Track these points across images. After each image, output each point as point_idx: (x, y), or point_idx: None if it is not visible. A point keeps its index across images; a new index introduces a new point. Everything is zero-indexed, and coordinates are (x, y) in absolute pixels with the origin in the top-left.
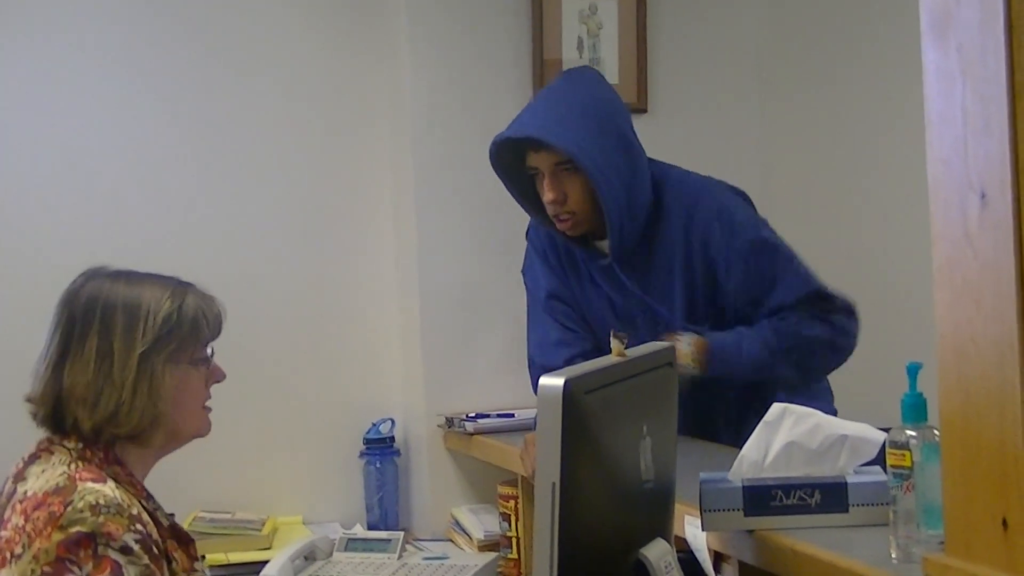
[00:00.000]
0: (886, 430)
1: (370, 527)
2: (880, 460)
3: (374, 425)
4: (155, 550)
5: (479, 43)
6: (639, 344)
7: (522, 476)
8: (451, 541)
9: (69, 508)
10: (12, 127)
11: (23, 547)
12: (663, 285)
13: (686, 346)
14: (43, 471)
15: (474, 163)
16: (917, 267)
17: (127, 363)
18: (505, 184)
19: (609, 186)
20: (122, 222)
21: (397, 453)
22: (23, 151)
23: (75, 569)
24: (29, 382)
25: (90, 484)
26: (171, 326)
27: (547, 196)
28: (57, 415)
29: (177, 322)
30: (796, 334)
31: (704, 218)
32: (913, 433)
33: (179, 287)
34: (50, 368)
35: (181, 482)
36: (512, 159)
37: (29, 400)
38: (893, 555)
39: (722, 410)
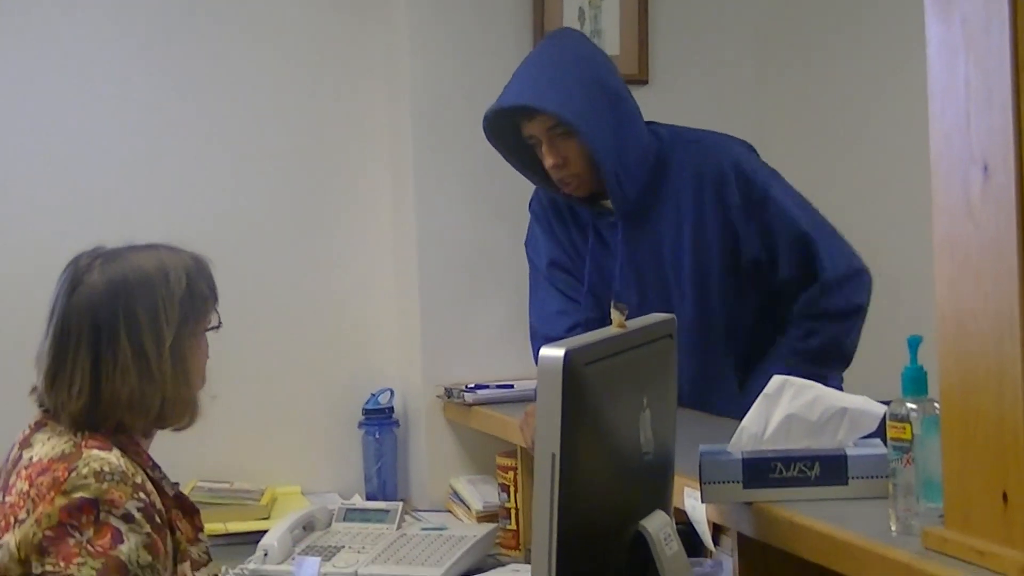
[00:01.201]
0: (886, 403)
1: (369, 498)
2: (880, 433)
3: (373, 396)
4: (158, 519)
5: (480, 13)
6: (649, 304)
7: (521, 447)
8: (450, 512)
9: (73, 474)
10: (8, 103)
11: (27, 512)
12: (673, 241)
13: None
14: (49, 438)
15: (473, 133)
16: (917, 240)
17: (162, 357)
18: (505, 156)
19: (603, 143)
20: (113, 192)
21: (396, 424)
22: (17, 129)
23: (76, 534)
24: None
25: (96, 451)
26: (186, 305)
27: (547, 162)
28: (93, 421)
29: (190, 298)
30: (796, 351)
31: (716, 173)
32: (913, 406)
33: (175, 256)
34: (84, 380)
35: (180, 452)
36: (510, 129)
37: (48, 412)
38: (892, 528)
39: (724, 380)
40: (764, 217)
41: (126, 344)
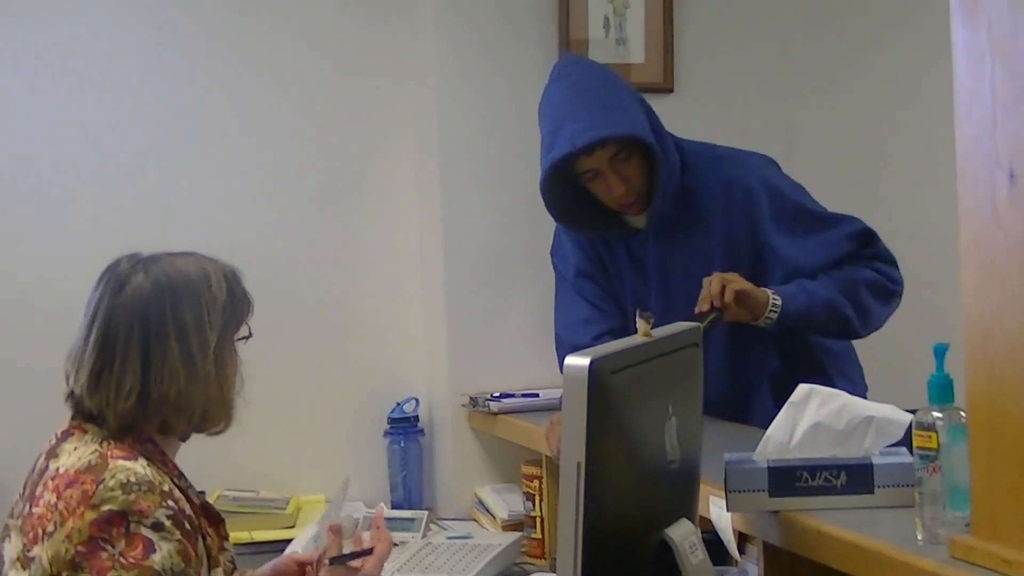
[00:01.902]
0: (912, 411)
1: (394, 506)
2: (906, 441)
3: (398, 404)
4: (188, 525)
5: (505, 19)
6: (678, 316)
7: (546, 456)
8: (475, 521)
9: (101, 486)
10: (34, 97)
11: (55, 525)
12: (703, 256)
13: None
14: (75, 448)
15: (500, 141)
16: (944, 247)
17: (207, 359)
18: (554, 205)
19: (666, 154)
20: (143, 195)
21: (421, 432)
22: (46, 136)
23: (108, 547)
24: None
25: (121, 462)
26: (228, 311)
27: (616, 191)
28: (139, 421)
29: (232, 305)
30: (846, 277)
31: (743, 189)
32: (939, 414)
33: (213, 263)
34: (135, 379)
35: (205, 461)
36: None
37: (86, 415)
38: (919, 536)
39: (758, 394)
40: (802, 226)
41: (174, 345)
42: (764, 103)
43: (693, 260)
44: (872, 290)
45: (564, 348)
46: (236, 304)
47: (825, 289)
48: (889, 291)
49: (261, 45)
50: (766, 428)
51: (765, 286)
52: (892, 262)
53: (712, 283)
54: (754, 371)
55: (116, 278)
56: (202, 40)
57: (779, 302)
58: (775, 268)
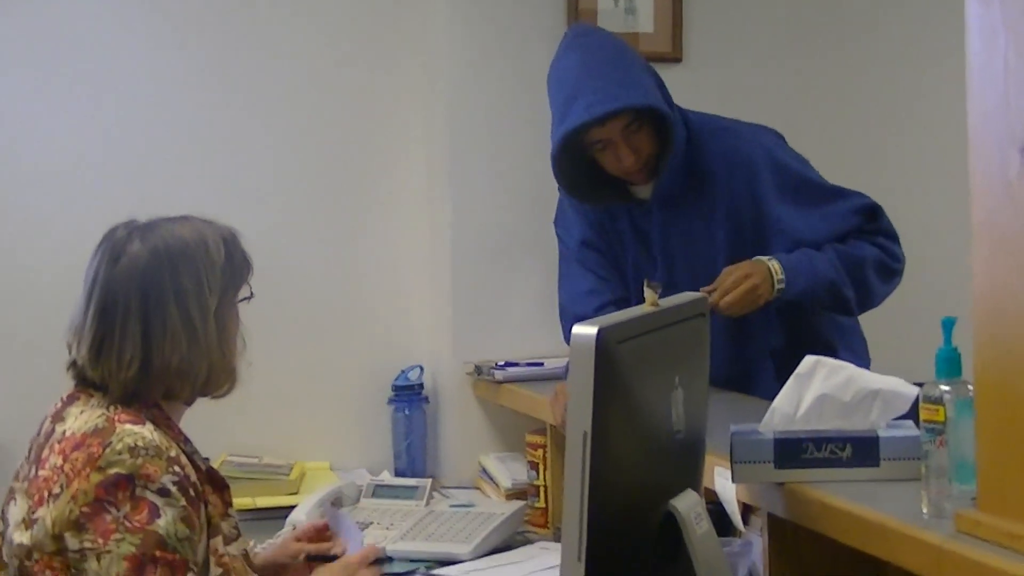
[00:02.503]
0: (919, 384)
1: (397, 474)
2: (913, 415)
3: (403, 372)
4: (192, 492)
5: None
6: (680, 288)
7: (550, 425)
8: (478, 489)
9: (108, 449)
10: (36, 84)
11: (61, 487)
12: (705, 229)
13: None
14: (82, 412)
15: (508, 109)
16: (954, 221)
17: (207, 324)
18: (569, 189)
19: (676, 124)
20: (148, 172)
21: (426, 400)
22: (47, 126)
23: (112, 510)
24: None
25: (129, 426)
26: (227, 273)
27: (627, 162)
28: (143, 389)
29: (230, 267)
30: (850, 254)
31: (747, 162)
32: (947, 388)
33: (210, 226)
34: (136, 348)
35: (209, 426)
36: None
37: (91, 384)
38: (924, 510)
39: (761, 367)
40: (806, 198)
41: (175, 311)
42: (772, 74)
43: (696, 232)
44: (875, 269)
45: (568, 319)
46: (235, 266)
47: (829, 267)
48: (891, 269)
49: (267, 29)
50: (770, 401)
51: (770, 256)
52: (895, 238)
53: (732, 277)
54: (758, 344)
55: (113, 247)
56: (207, 26)
57: (783, 286)
58: (778, 239)
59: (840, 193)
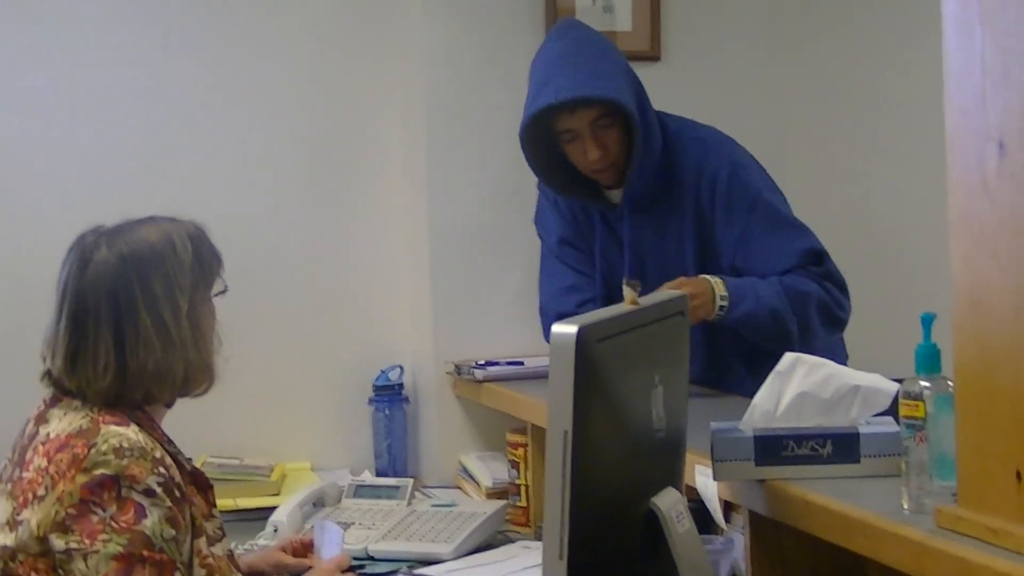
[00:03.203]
0: (899, 381)
1: (379, 474)
2: (893, 411)
3: (383, 372)
4: (177, 493)
5: None
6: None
7: (531, 424)
8: (460, 488)
9: (93, 450)
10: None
11: (46, 488)
12: (676, 236)
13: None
14: (65, 413)
15: (486, 108)
16: (932, 217)
17: (180, 325)
18: (535, 167)
19: (647, 129)
20: (126, 164)
21: (406, 400)
22: (28, 122)
23: (98, 511)
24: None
25: (113, 427)
26: (196, 271)
27: (592, 155)
28: (121, 395)
29: (199, 265)
30: (794, 287)
31: (714, 169)
32: (927, 384)
33: (176, 225)
34: (109, 355)
35: (190, 427)
36: (533, 136)
37: (71, 392)
38: (905, 506)
39: (736, 360)
40: (756, 224)
41: (145, 315)
42: (751, 72)
43: (666, 241)
44: (820, 311)
45: (549, 317)
46: (204, 262)
47: (774, 296)
48: (836, 317)
49: (247, 24)
50: (748, 399)
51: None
52: (842, 287)
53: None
54: (728, 350)
55: (80, 254)
56: (187, 21)
57: (725, 304)
58: (720, 262)
59: (794, 227)
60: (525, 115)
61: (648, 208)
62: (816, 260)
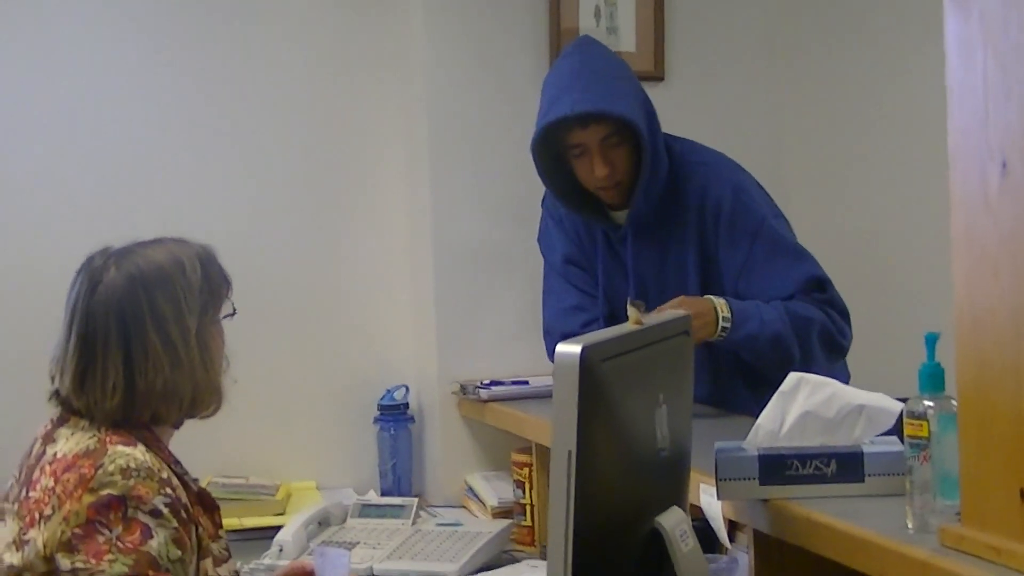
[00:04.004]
0: (903, 400)
1: (384, 493)
2: (897, 430)
3: (388, 391)
4: (183, 514)
5: (496, 10)
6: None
7: (536, 443)
8: (465, 508)
9: (100, 471)
10: (17, 100)
11: (53, 508)
12: (677, 259)
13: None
14: (72, 434)
15: (489, 126)
16: (935, 236)
17: (189, 346)
18: (545, 177)
19: (655, 152)
20: (127, 186)
21: (411, 420)
22: (29, 127)
23: (105, 531)
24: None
25: (120, 447)
26: (205, 293)
27: (599, 172)
28: (129, 415)
29: (208, 287)
30: (798, 312)
31: (718, 194)
32: (930, 403)
33: (184, 247)
34: (118, 376)
35: (196, 447)
36: (542, 148)
37: (78, 411)
38: (909, 525)
39: (740, 380)
40: (760, 251)
41: (154, 336)
42: (754, 92)
43: (668, 264)
44: (822, 338)
45: (553, 337)
46: (213, 285)
47: (778, 319)
48: (837, 344)
49: (247, 39)
50: (747, 414)
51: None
52: (845, 314)
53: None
54: (730, 375)
55: (90, 276)
56: (186, 34)
57: (728, 325)
58: (722, 287)
59: (797, 254)
60: (538, 126)
61: (652, 231)
62: (819, 287)
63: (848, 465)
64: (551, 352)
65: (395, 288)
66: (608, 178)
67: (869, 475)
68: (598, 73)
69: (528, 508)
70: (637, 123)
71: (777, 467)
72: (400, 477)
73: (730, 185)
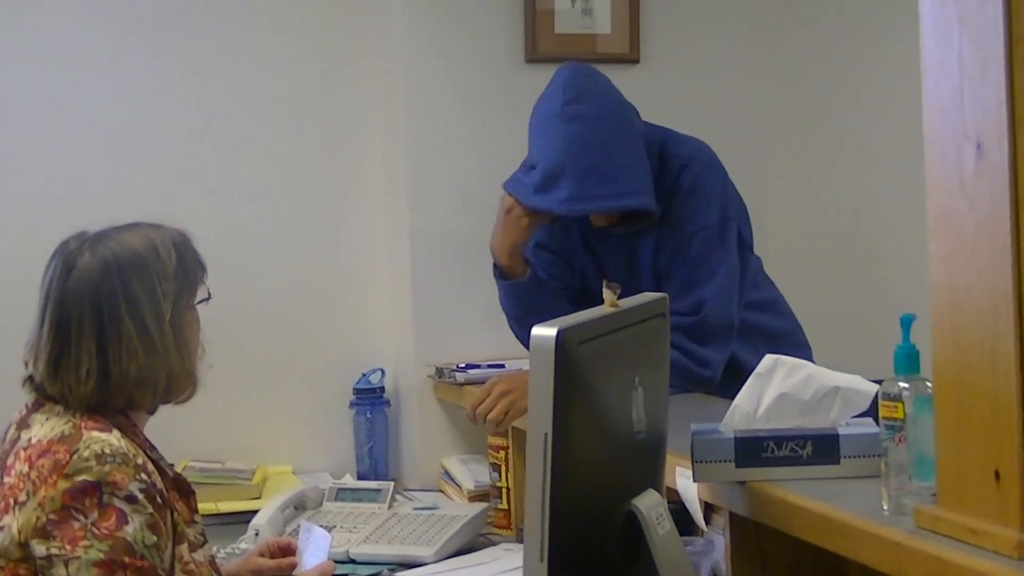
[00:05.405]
0: (879, 382)
1: (360, 477)
2: (872, 412)
3: (364, 375)
4: (159, 499)
5: None
6: None
7: (512, 426)
8: (441, 491)
9: (75, 456)
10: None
11: (27, 494)
12: (650, 256)
13: None
14: (47, 419)
15: (466, 111)
16: (911, 218)
17: (163, 331)
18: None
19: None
20: (110, 170)
21: (387, 403)
22: (9, 122)
23: (80, 517)
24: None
25: (96, 433)
26: (180, 278)
27: (597, 223)
28: (104, 401)
29: (183, 271)
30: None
31: (679, 192)
32: (906, 385)
33: (160, 231)
34: (92, 361)
35: (171, 432)
36: None
37: (53, 397)
38: (885, 506)
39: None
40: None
41: (128, 322)
42: (730, 75)
43: (636, 260)
44: (682, 376)
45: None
46: (187, 270)
47: None
48: (697, 378)
49: (229, 30)
50: (723, 400)
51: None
52: (714, 336)
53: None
54: None
55: (64, 260)
56: (169, 24)
57: None
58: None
59: (708, 272)
60: (529, 201)
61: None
62: (695, 309)
63: (824, 447)
64: (519, 336)
65: (372, 272)
66: (605, 223)
67: (845, 457)
68: (596, 154)
69: (504, 491)
70: (645, 208)
71: (753, 449)
72: (376, 461)
73: (687, 186)
